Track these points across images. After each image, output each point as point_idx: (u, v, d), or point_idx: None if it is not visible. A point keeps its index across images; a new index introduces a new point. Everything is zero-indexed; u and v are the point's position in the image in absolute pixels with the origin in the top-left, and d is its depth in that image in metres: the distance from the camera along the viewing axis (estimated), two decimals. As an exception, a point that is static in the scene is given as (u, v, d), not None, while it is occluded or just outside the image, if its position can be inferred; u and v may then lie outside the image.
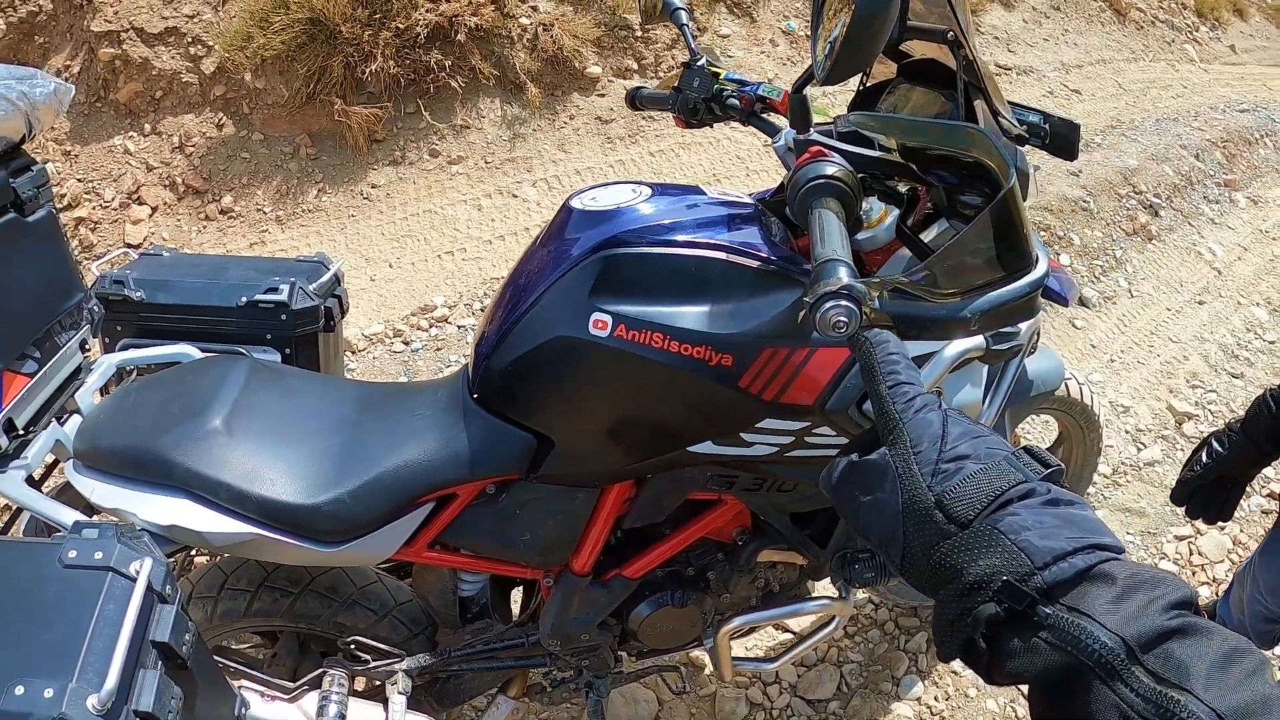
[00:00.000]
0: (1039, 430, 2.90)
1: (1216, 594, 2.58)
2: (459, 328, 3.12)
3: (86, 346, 1.38)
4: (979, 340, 1.14)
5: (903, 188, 1.19)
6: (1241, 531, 2.77)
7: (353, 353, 2.97)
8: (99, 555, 0.87)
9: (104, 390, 1.44)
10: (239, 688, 1.17)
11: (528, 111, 4.11)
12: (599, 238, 1.16)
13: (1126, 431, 3.18)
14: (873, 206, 1.24)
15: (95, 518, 1.16)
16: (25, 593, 0.85)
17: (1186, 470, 1.59)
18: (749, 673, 2.09)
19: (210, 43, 3.77)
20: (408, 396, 1.37)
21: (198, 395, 1.29)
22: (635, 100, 1.71)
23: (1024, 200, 1.41)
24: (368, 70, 3.72)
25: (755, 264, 1.14)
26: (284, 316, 1.60)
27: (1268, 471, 2.89)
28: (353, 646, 1.41)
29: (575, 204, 1.23)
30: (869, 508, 0.62)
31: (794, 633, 2.16)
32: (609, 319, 1.12)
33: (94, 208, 3.56)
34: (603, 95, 4.30)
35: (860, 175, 1.03)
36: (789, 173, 1.04)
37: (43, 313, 1.26)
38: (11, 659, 0.79)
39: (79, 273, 1.35)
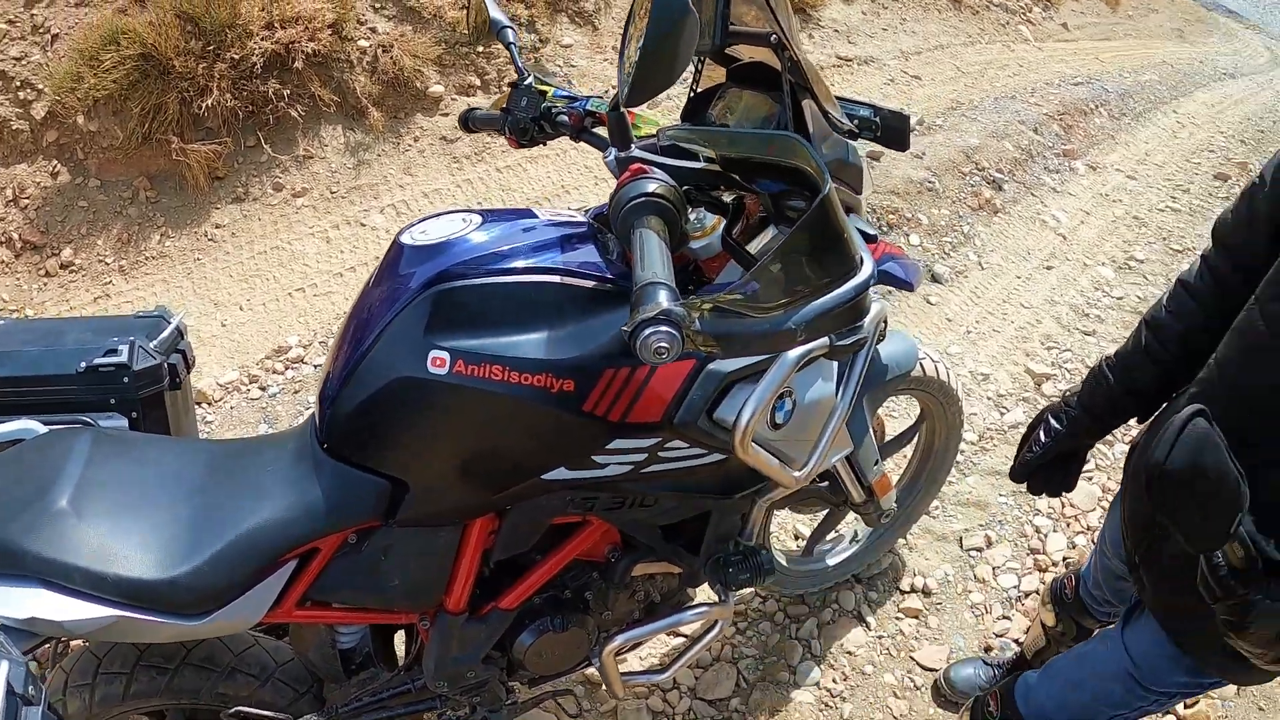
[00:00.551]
0: (901, 408, 2.99)
1: (1092, 541, 2.72)
2: (315, 367, 3.02)
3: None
4: (821, 339, 1.16)
5: (727, 197, 1.20)
6: (1109, 479, 2.91)
7: (209, 404, 2.84)
8: None
9: None
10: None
11: (371, 136, 4.02)
12: (430, 272, 1.14)
13: (989, 398, 3.32)
14: (704, 216, 1.25)
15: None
16: None
17: (1026, 450, 1.57)
18: (643, 685, 2.09)
19: (40, 85, 3.55)
20: (256, 452, 1.31)
21: (40, 475, 1.21)
22: (469, 123, 1.69)
23: (862, 192, 1.44)
24: (204, 105, 3.57)
25: (591, 284, 1.13)
26: (126, 379, 1.52)
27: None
28: (239, 718, 1.36)
29: (405, 239, 1.20)
30: None
31: (685, 636, 2.17)
32: (446, 356, 1.10)
33: (-80, 274, 3.31)
34: (446, 114, 4.24)
35: (685, 188, 1.03)
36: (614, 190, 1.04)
37: None
38: None
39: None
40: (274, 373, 2.99)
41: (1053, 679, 1.66)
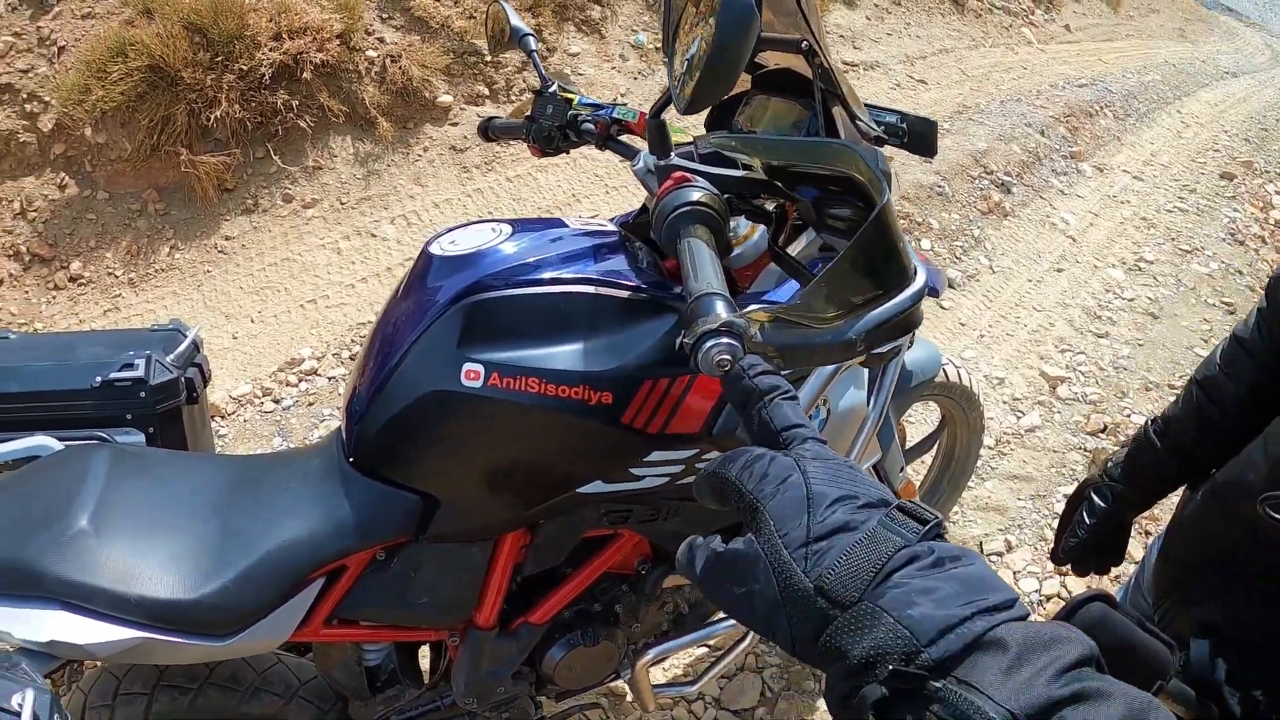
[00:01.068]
0: (918, 415, 2.98)
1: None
2: (329, 379, 3.01)
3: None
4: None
5: (770, 205, 1.18)
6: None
7: (222, 417, 2.82)
8: None
9: None
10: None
11: (380, 147, 4.01)
12: (462, 284, 1.12)
13: (1004, 402, 3.31)
14: (739, 223, 1.23)
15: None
16: None
17: (1069, 535, 1.41)
18: (672, 698, 2.07)
19: (47, 98, 3.54)
20: (280, 468, 1.29)
21: (59, 495, 1.18)
22: (488, 131, 1.67)
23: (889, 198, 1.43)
24: (212, 116, 3.56)
25: (625, 294, 1.12)
26: (143, 394, 1.50)
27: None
28: None
29: (434, 249, 1.18)
30: (746, 600, 0.57)
31: (709, 647, 2.15)
32: (481, 369, 1.08)
33: (-71, 289, 3.30)
34: (455, 124, 4.24)
35: (725, 196, 1.02)
36: (653, 200, 1.02)
37: None
38: None
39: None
40: (287, 385, 2.98)
41: None
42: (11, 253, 3.42)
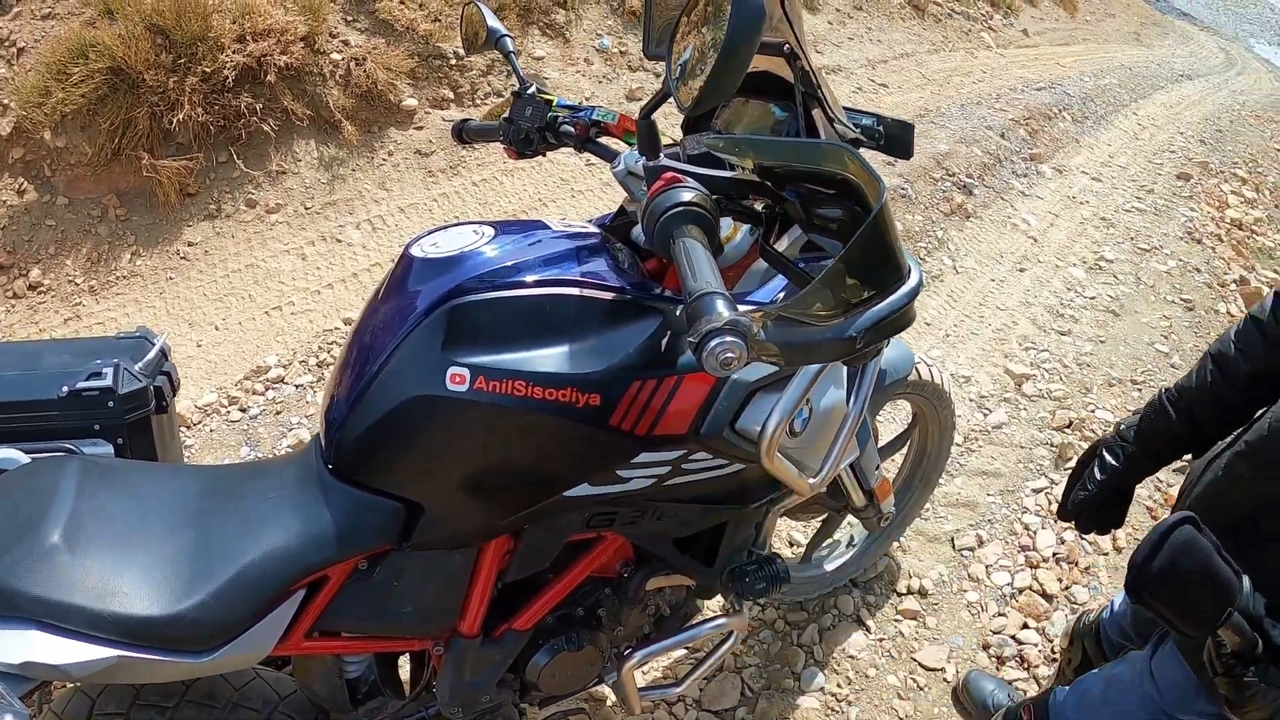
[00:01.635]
0: (887, 413, 3.01)
1: (1079, 539, 2.75)
2: (296, 387, 2.97)
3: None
4: None
5: (759, 205, 1.19)
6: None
7: (188, 427, 2.77)
8: None
9: None
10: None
11: (345, 151, 3.98)
12: (445, 287, 1.11)
13: (971, 400, 3.36)
14: (723, 224, 1.23)
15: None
16: None
17: (1079, 488, 1.49)
18: (656, 700, 2.07)
19: (6, 100, 3.47)
20: (256, 478, 1.27)
21: (28, 509, 1.15)
22: (462, 133, 1.67)
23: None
24: (175, 120, 3.50)
25: (610, 295, 1.12)
26: (111, 403, 1.46)
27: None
28: None
29: (415, 252, 1.17)
30: None
31: (691, 648, 2.15)
32: (466, 372, 1.07)
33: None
34: (420, 128, 4.21)
35: (715, 197, 1.02)
36: (642, 202, 1.02)
37: None
38: None
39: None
40: (254, 393, 2.93)
41: (1080, 697, 1.66)
42: (-31, 261, 3.35)
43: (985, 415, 3.28)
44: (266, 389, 2.96)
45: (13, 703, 0.82)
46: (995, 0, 9.52)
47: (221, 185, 3.68)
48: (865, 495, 1.84)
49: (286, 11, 3.91)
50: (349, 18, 4.24)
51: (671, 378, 1.11)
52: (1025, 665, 2.31)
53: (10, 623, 1.04)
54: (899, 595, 2.47)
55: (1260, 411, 1.25)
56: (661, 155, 1.12)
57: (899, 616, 2.41)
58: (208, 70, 3.58)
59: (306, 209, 3.77)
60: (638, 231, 1.27)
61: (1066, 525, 2.77)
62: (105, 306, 3.30)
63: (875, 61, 6.73)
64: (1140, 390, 3.58)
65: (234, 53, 3.65)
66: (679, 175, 1.00)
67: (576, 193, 4.22)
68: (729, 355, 0.78)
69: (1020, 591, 2.53)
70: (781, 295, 1.22)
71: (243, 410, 2.87)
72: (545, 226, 1.22)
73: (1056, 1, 11.43)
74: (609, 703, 2.05)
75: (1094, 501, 1.47)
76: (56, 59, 3.44)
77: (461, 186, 4.11)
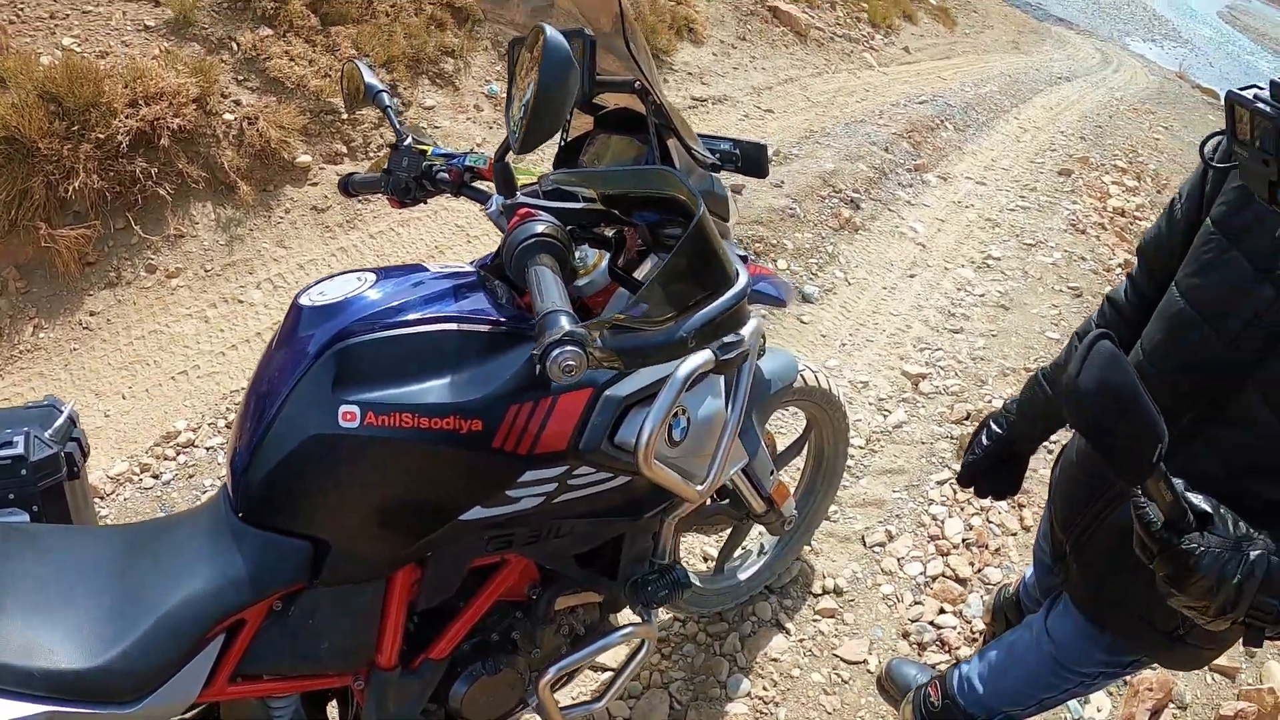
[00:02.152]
0: (788, 424, 3.13)
1: (986, 520, 2.89)
2: (207, 449, 2.96)
3: None
4: (707, 354, 1.25)
5: (609, 232, 1.29)
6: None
7: (101, 498, 2.74)
8: None
9: None
10: None
11: (242, 211, 3.97)
12: (332, 330, 1.17)
13: (870, 403, 3.50)
14: (586, 254, 1.33)
15: None
16: None
17: (968, 455, 1.68)
18: (581, 717, 2.12)
19: (-99, 173, 3.38)
20: (170, 531, 1.30)
21: None
22: (348, 187, 1.73)
23: (729, 219, 1.56)
24: (71, 188, 3.45)
25: (486, 328, 1.19)
26: (24, 471, 1.47)
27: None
28: None
29: (304, 301, 1.23)
30: None
31: (612, 669, 2.21)
32: (356, 409, 1.14)
33: None
34: (315, 184, 4.24)
35: (569, 227, 1.11)
36: (504, 236, 1.11)
37: None
38: None
39: None
40: (165, 459, 2.91)
41: (984, 666, 1.77)
42: None
43: (885, 417, 3.42)
44: (178, 454, 2.94)
45: None
46: (875, 21, 9.91)
47: (120, 252, 3.65)
48: (764, 501, 1.93)
49: (178, 74, 3.90)
50: (240, 77, 4.25)
51: (547, 399, 1.19)
52: (946, 648, 2.42)
53: None
54: (815, 596, 2.56)
55: None
56: (519, 194, 1.22)
57: (817, 616, 2.50)
58: (101, 136, 3.55)
59: (207, 271, 3.76)
60: None
61: (975, 512, 2.93)
62: (10, 382, 3.23)
63: (760, 88, 6.96)
64: (1033, 377, 3.77)
65: (127, 117, 3.62)
66: (533, 210, 1.10)
67: (472, 238, 4.29)
68: (570, 363, 0.87)
69: (934, 579, 2.65)
70: None
71: (155, 477, 2.85)
72: (424, 269, 1.29)
73: (935, 17, 11.95)
74: (540, 726, 2.09)
75: (981, 465, 1.65)
76: (-49, 130, 3.38)
77: (359, 239, 4.14)
